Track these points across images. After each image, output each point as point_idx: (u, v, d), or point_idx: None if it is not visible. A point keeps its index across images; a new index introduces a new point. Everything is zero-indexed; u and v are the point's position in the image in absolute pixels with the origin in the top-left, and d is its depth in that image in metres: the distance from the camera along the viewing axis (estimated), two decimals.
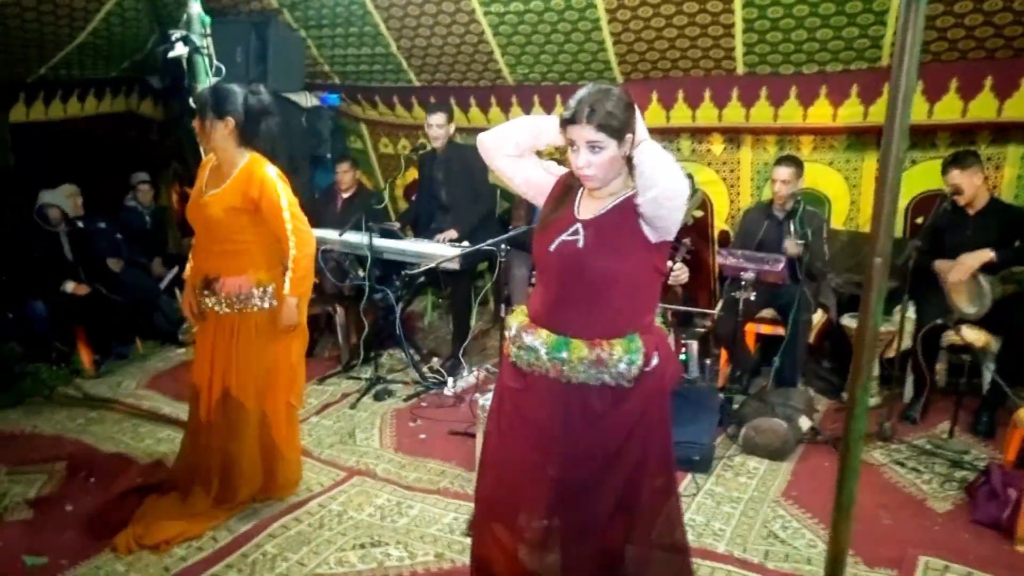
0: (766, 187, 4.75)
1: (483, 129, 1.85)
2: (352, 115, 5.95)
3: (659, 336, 1.90)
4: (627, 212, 1.79)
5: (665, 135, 4.87)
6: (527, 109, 5.04)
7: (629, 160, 1.79)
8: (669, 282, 3.45)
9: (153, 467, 3.29)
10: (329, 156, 5.59)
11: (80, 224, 4.89)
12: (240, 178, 2.61)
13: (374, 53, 5.08)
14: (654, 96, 4.60)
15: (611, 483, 1.88)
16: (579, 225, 1.83)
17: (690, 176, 4.60)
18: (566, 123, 1.77)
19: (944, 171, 3.76)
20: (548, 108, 4.96)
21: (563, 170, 1.99)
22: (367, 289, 4.34)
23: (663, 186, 1.69)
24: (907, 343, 3.77)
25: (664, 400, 1.92)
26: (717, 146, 4.79)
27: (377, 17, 4.67)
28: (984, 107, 3.98)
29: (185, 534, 2.73)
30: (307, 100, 5.50)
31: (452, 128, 4.63)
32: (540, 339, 1.83)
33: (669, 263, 3.46)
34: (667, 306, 3.66)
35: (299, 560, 2.61)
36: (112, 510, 2.87)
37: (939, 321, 3.65)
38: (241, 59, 4.61)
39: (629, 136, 1.75)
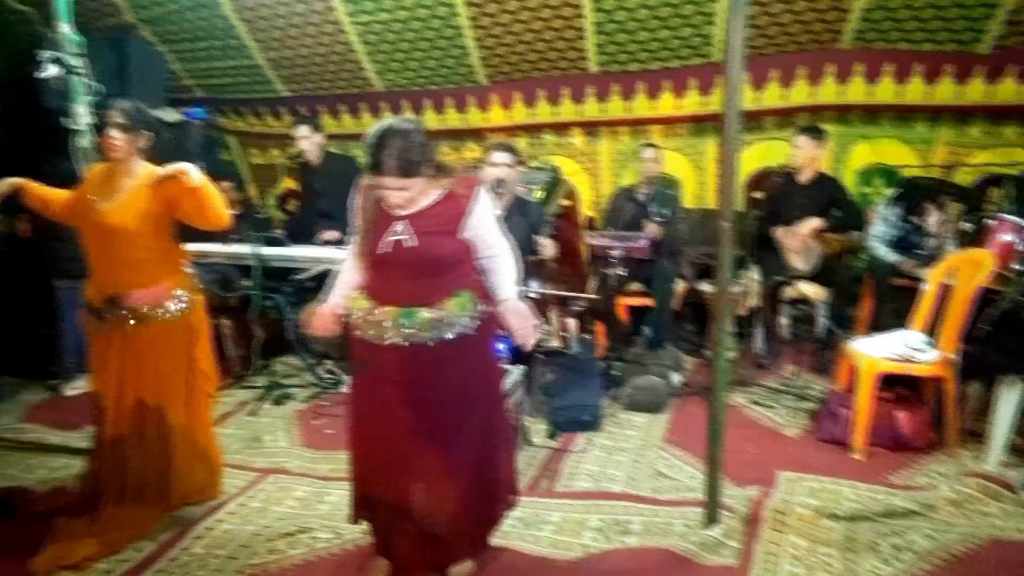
0: (625, 174, 5.22)
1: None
2: (220, 127, 5.90)
3: (483, 289, 2.24)
4: (446, 210, 2.11)
5: (530, 131, 5.25)
6: (397, 113, 5.24)
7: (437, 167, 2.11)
8: (542, 257, 3.78)
9: (55, 494, 3.22)
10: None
11: None
12: (146, 183, 2.68)
13: (239, 65, 5.11)
14: (519, 96, 4.95)
15: (471, 423, 2.20)
16: (400, 224, 2.11)
17: (556, 167, 4.99)
18: (373, 171, 2.03)
19: (796, 135, 4.35)
20: (417, 111, 5.19)
21: None
22: (257, 298, 4.38)
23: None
24: (755, 302, 4.31)
25: (494, 335, 2.29)
26: (578, 138, 5.21)
27: (241, 30, 4.72)
28: (800, 93, 4.62)
29: (106, 549, 2.74)
30: (171, 115, 5.41)
31: (320, 138, 4.68)
32: (388, 314, 2.12)
33: (536, 237, 3.80)
34: (549, 291, 3.97)
35: (229, 555, 2.69)
36: (22, 537, 2.82)
37: (779, 278, 4.21)
38: (99, 77, 4.52)
39: (427, 165, 2.06)
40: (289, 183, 5.47)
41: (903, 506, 2.72)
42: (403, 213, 2.12)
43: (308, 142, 4.60)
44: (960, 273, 3.30)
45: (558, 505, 2.87)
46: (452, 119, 5.15)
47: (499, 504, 2.41)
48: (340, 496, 3.08)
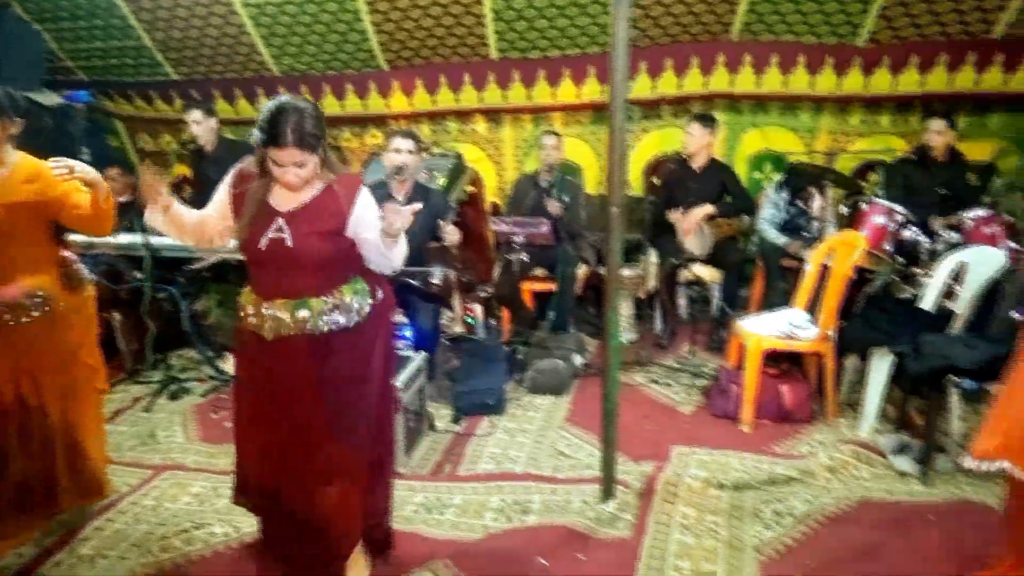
0: (527, 160, 5.28)
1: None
2: (106, 111, 5.61)
3: (376, 275, 2.24)
4: (327, 203, 2.08)
5: (433, 118, 5.23)
6: None
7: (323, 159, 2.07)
8: (446, 243, 3.79)
9: None
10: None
11: None
12: (21, 175, 2.52)
13: (124, 46, 4.87)
14: (419, 82, 4.91)
15: (366, 406, 2.19)
16: (281, 220, 2.06)
17: (459, 154, 4.99)
18: (270, 145, 1.97)
19: (688, 123, 4.49)
20: (316, 96, 5.08)
21: None
22: (148, 290, 4.21)
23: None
24: (654, 284, 4.46)
25: (391, 321, 2.34)
26: (481, 125, 5.22)
27: (125, 9, 4.50)
28: (694, 82, 4.77)
29: None
30: (50, 99, 5.10)
31: (213, 123, 4.53)
32: (281, 307, 2.07)
33: (441, 223, 3.81)
34: (452, 272, 3.99)
35: (120, 555, 2.60)
36: None
37: (675, 261, 4.37)
38: None
39: (322, 143, 2.03)
40: (182, 170, 5.28)
41: (784, 474, 2.90)
42: (284, 210, 2.07)
43: (201, 127, 4.43)
44: (837, 254, 3.51)
45: (461, 488, 2.90)
46: (353, 105, 5.07)
47: (380, 509, 2.41)
48: None
